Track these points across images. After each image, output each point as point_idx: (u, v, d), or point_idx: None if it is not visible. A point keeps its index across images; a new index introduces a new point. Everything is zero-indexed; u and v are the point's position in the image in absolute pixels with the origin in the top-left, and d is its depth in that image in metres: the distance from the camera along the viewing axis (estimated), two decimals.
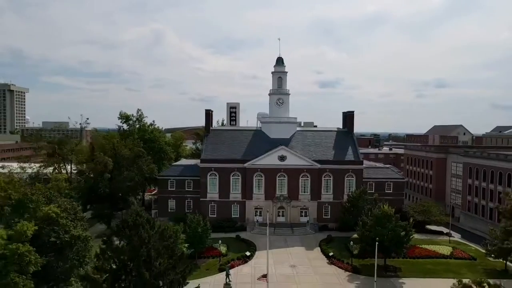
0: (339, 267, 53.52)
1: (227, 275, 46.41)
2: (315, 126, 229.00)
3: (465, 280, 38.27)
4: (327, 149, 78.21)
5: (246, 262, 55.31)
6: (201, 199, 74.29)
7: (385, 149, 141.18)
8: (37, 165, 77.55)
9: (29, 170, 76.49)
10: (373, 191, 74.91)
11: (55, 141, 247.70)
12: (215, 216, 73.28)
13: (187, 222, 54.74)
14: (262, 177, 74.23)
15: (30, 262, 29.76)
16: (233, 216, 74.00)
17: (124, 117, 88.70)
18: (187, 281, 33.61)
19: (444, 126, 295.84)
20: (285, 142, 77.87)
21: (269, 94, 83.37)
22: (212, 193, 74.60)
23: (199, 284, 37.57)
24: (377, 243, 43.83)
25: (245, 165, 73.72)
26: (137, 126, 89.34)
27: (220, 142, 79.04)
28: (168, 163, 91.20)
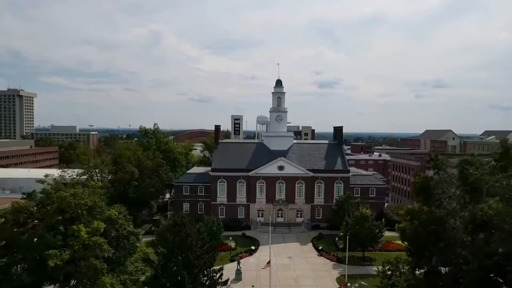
0: (326, 258, 66.57)
1: (238, 263, 59.36)
2: (313, 130, 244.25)
3: None
4: (319, 160, 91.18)
5: (251, 254, 68.25)
6: (212, 203, 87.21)
7: (375, 155, 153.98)
8: (75, 172, 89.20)
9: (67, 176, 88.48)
10: (359, 196, 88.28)
11: (65, 145, 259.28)
12: (224, 217, 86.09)
13: (203, 222, 67.51)
14: (263, 184, 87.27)
15: (104, 250, 42.36)
16: (239, 217, 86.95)
17: (144, 131, 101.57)
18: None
19: (435, 131, 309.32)
20: (283, 153, 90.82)
21: (270, 112, 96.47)
22: (221, 197, 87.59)
23: (222, 266, 49.83)
24: (347, 238, 56.94)
25: (249, 173, 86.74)
26: (153, 139, 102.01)
27: (227, 153, 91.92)
28: (180, 170, 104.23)
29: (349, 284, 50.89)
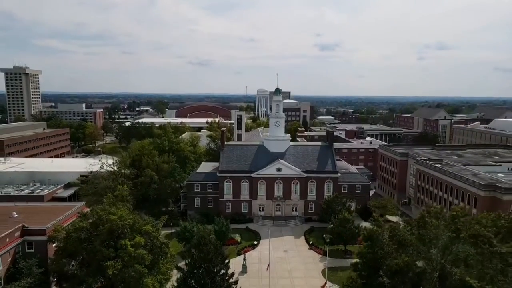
0: (315, 251, 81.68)
1: (244, 259, 74.37)
2: (311, 107, 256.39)
3: None
4: (312, 161, 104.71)
5: (254, 248, 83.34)
6: (219, 199, 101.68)
7: (367, 142, 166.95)
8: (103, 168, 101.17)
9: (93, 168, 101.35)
10: (346, 191, 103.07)
11: (74, 125, 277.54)
12: (230, 211, 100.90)
13: (215, 223, 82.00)
14: (264, 183, 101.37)
15: (145, 259, 56.70)
16: (243, 211, 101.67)
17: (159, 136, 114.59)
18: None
19: (428, 109, 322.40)
20: (281, 155, 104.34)
21: (270, 117, 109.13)
22: (228, 194, 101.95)
23: (230, 264, 64.47)
24: (328, 239, 71.62)
25: (252, 175, 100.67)
26: (166, 141, 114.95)
27: (232, 155, 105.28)
28: (190, 165, 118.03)
29: (327, 285, 65.33)
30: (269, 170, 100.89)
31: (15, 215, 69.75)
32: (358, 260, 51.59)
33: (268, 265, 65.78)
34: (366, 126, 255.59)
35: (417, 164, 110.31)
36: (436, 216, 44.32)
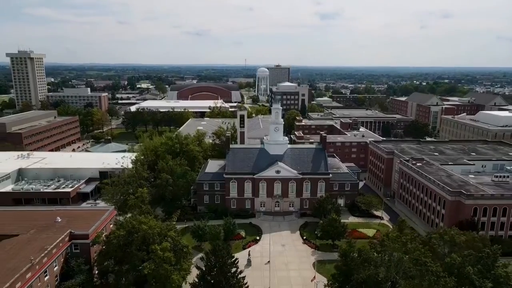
0: (308, 245, 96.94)
1: (249, 254, 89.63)
2: (309, 90, 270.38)
3: None
4: (307, 163, 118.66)
5: (257, 242, 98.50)
6: (226, 197, 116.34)
7: (359, 136, 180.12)
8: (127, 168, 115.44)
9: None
10: (337, 189, 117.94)
11: (83, 112, 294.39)
12: (235, 207, 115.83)
13: (224, 221, 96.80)
14: (265, 183, 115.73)
15: (172, 261, 71.67)
16: (246, 207, 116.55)
17: (170, 139, 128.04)
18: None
19: (421, 94, 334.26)
20: (280, 157, 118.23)
21: (270, 124, 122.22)
22: (233, 193, 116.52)
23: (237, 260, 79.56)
24: (319, 234, 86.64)
25: (254, 176, 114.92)
26: (178, 144, 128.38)
27: (236, 158, 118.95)
28: (198, 162, 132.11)
29: (316, 281, 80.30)
30: (269, 172, 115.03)
31: (59, 220, 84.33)
32: (335, 271, 66.23)
33: (269, 261, 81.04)
34: (361, 113, 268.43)
35: (400, 164, 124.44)
36: (392, 241, 58.65)
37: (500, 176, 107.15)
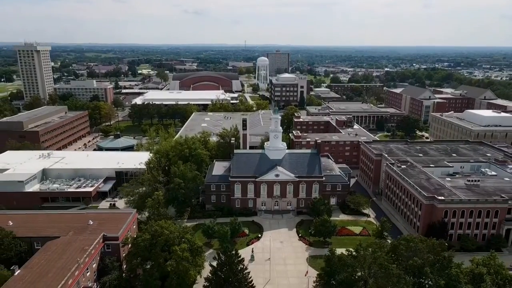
0: (303, 242, 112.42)
1: (252, 250, 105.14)
2: (308, 82, 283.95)
3: None
4: (303, 167, 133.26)
5: (259, 239, 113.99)
6: (231, 197, 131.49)
7: (352, 134, 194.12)
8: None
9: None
10: (329, 189, 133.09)
11: (91, 106, 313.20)
12: (239, 206, 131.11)
13: (231, 221, 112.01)
14: (265, 185, 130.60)
15: (189, 259, 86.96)
16: (249, 206, 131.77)
17: (180, 144, 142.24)
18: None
19: (415, 88, 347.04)
20: (279, 162, 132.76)
21: (270, 131, 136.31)
22: (237, 193, 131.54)
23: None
24: (312, 232, 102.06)
25: (256, 179, 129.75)
26: (187, 149, 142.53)
27: (240, 163, 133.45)
28: (205, 163, 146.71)
29: (308, 276, 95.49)
30: (269, 176, 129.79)
31: (91, 223, 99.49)
32: (321, 272, 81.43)
33: (269, 258, 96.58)
34: (356, 107, 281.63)
35: (386, 167, 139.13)
36: (366, 249, 73.85)
37: (472, 180, 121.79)
